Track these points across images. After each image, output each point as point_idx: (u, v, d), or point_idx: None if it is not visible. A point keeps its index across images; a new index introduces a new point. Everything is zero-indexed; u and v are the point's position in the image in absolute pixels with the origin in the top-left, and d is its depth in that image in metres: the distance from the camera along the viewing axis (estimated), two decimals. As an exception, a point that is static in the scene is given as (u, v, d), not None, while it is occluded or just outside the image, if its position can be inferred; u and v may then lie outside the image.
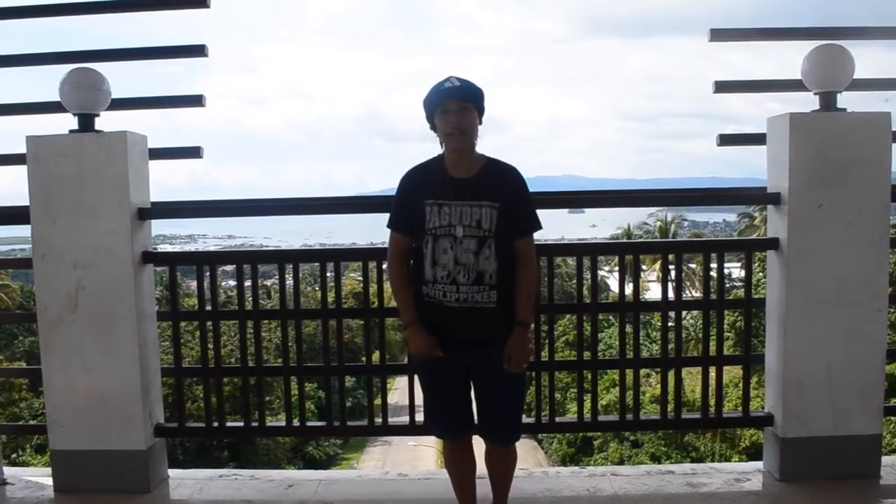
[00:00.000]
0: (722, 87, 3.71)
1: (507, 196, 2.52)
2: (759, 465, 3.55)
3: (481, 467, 2.88)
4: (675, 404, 3.51)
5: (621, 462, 25.87)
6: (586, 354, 3.50)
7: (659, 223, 34.32)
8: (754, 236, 29.99)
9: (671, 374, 3.52)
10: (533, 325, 2.86)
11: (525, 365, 2.59)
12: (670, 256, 3.43)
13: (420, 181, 2.61)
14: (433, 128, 2.56)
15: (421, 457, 31.72)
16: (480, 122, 2.55)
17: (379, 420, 3.51)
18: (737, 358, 3.66)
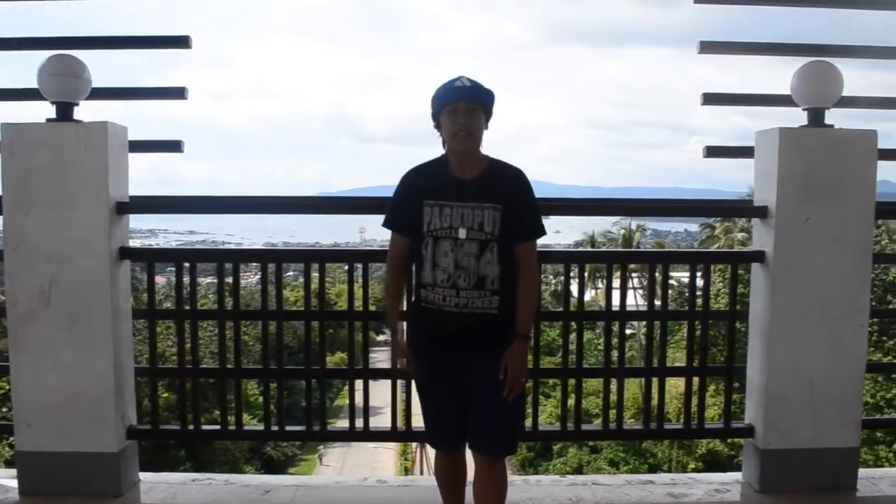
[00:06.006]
0: (710, 99, 3.74)
1: (511, 198, 2.46)
2: (738, 475, 3.57)
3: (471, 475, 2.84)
4: (658, 414, 3.50)
5: (580, 467, 26.10)
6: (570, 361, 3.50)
7: (623, 231, 34.70)
8: (714, 247, 30.55)
9: (654, 384, 3.51)
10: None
11: (523, 380, 2.49)
12: (658, 266, 3.42)
13: (421, 180, 2.54)
14: (437, 126, 2.49)
15: (380, 458, 31.61)
16: (487, 127, 2.49)
17: (360, 425, 3.44)
18: (719, 369, 3.68)
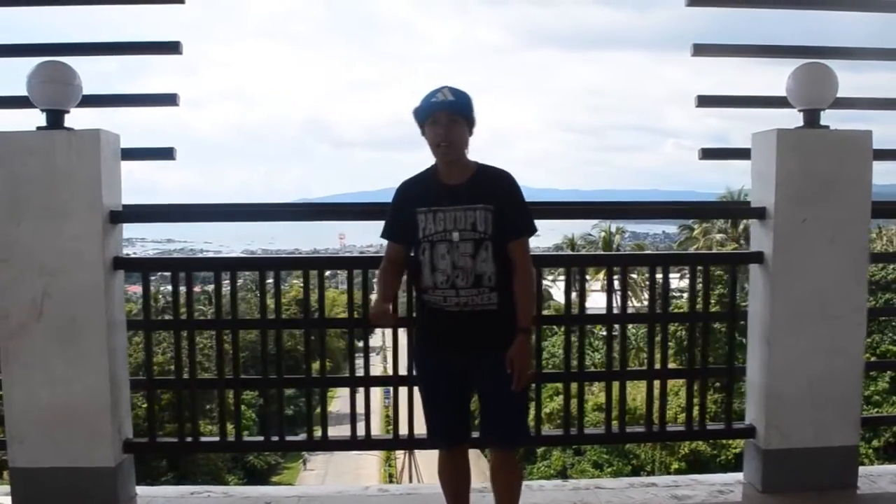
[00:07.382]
0: (704, 101, 3.76)
1: (501, 198, 2.54)
2: (739, 476, 3.58)
3: (475, 483, 2.85)
4: (660, 416, 3.50)
5: (564, 470, 26.09)
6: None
7: (602, 233, 34.87)
8: (692, 248, 30.74)
9: (657, 386, 3.51)
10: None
11: (530, 373, 2.56)
12: (658, 269, 3.43)
13: (414, 191, 2.63)
14: (424, 135, 2.57)
15: (364, 465, 31.43)
16: (471, 133, 2.57)
17: (361, 433, 3.41)
18: (720, 370, 3.69)
